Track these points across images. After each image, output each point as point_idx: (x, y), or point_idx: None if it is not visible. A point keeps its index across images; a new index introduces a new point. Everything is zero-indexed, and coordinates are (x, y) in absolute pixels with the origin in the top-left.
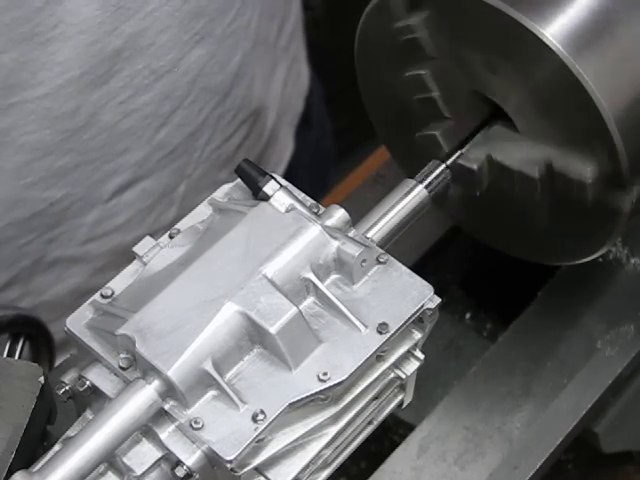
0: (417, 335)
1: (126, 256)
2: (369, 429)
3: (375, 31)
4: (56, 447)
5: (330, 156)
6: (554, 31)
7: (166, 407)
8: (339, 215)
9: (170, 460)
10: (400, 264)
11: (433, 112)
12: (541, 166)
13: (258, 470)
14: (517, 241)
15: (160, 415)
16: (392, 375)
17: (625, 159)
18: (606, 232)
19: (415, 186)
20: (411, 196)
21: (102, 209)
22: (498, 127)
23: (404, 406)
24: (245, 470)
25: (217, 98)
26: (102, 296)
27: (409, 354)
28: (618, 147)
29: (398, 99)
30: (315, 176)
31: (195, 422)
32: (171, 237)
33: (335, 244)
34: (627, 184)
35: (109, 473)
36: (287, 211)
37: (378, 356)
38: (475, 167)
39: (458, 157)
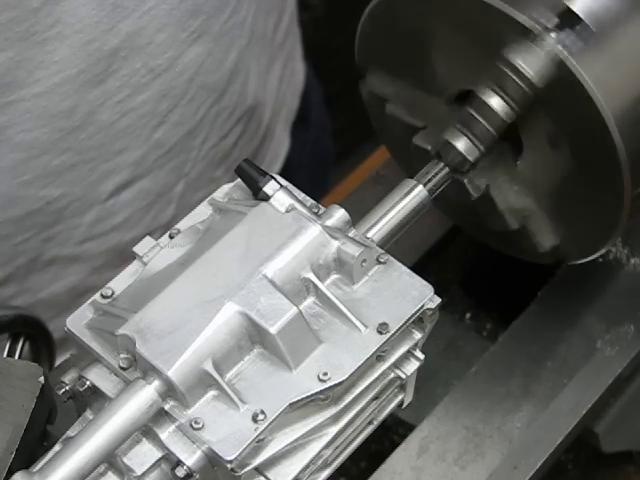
0: (417, 335)
1: (124, 256)
2: (369, 429)
3: (388, 21)
4: (56, 447)
5: (330, 156)
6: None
7: (166, 407)
8: (339, 215)
9: (170, 460)
10: (400, 264)
11: (474, 132)
12: (519, 222)
13: (258, 470)
14: (516, 241)
15: (160, 415)
16: (392, 375)
17: (628, 199)
18: (606, 232)
19: (415, 186)
20: (411, 196)
21: (100, 209)
22: (504, 146)
23: (404, 406)
24: (245, 470)
25: (214, 96)
26: (102, 296)
27: (409, 354)
28: (625, 186)
29: (404, 95)
30: (315, 176)
31: (195, 422)
32: (171, 237)
33: (335, 244)
34: (619, 230)
35: (109, 473)
36: (287, 211)
37: (378, 356)
38: (475, 195)
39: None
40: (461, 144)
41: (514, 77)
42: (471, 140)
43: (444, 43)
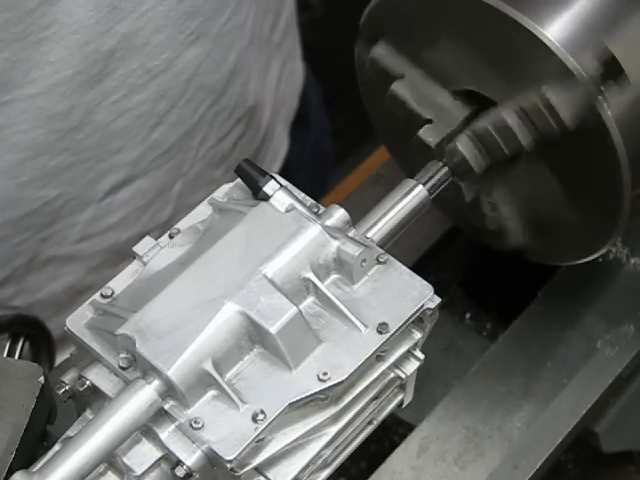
0: (417, 335)
1: (121, 255)
2: (369, 429)
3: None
4: (56, 447)
5: (329, 157)
6: (554, 31)
7: (166, 407)
8: (339, 215)
9: (170, 460)
10: (400, 264)
11: (418, 118)
12: (497, 224)
13: (258, 470)
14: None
15: (160, 415)
16: (392, 375)
17: (628, 199)
18: (606, 233)
19: (415, 186)
20: (411, 196)
21: (96, 208)
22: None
23: (404, 406)
24: (245, 470)
25: (213, 97)
26: (102, 296)
27: (409, 354)
28: (625, 186)
29: (411, 76)
30: (314, 177)
31: (195, 422)
32: (171, 237)
33: (335, 244)
34: (619, 230)
35: (109, 473)
36: (287, 211)
37: (378, 356)
38: (468, 199)
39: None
40: (470, 154)
41: (547, 113)
42: (481, 152)
43: (461, 40)
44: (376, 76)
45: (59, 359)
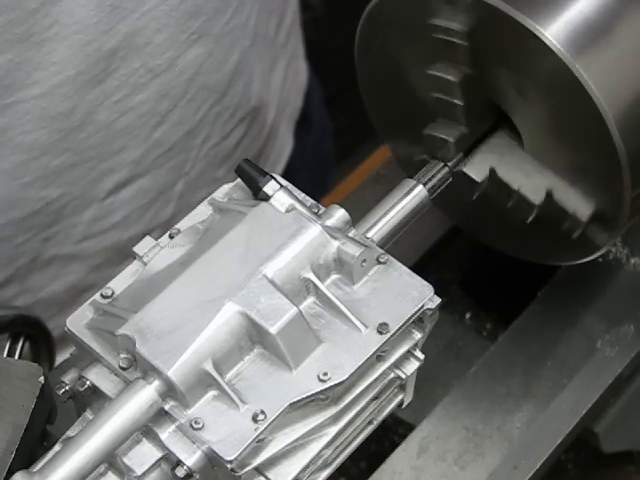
0: (417, 335)
1: (123, 253)
2: (369, 429)
3: (386, 20)
4: (56, 447)
5: (330, 158)
6: (554, 31)
7: (166, 407)
8: (339, 215)
9: (170, 460)
10: (400, 264)
11: (447, 115)
12: (542, 193)
13: (258, 470)
14: (517, 241)
15: (160, 415)
16: (392, 375)
17: (628, 199)
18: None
19: (415, 186)
20: (411, 196)
21: (99, 207)
22: (504, 136)
23: (404, 406)
24: (245, 470)
25: (215, 96)
26: (102, 296)
27: (409, 354)
28: (625, 186)
29: (403, 96)
30: (315, 177)
31: (195, 422)
32: (171, 237)
33: (335, 244)
34: (619, 230)
35: (109, 473)
36: (287, 211)
37: (378, 356)
38: (479, 179)
39: (460, 161)
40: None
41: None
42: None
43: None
44: (413, 44)
45: (59, 359)
